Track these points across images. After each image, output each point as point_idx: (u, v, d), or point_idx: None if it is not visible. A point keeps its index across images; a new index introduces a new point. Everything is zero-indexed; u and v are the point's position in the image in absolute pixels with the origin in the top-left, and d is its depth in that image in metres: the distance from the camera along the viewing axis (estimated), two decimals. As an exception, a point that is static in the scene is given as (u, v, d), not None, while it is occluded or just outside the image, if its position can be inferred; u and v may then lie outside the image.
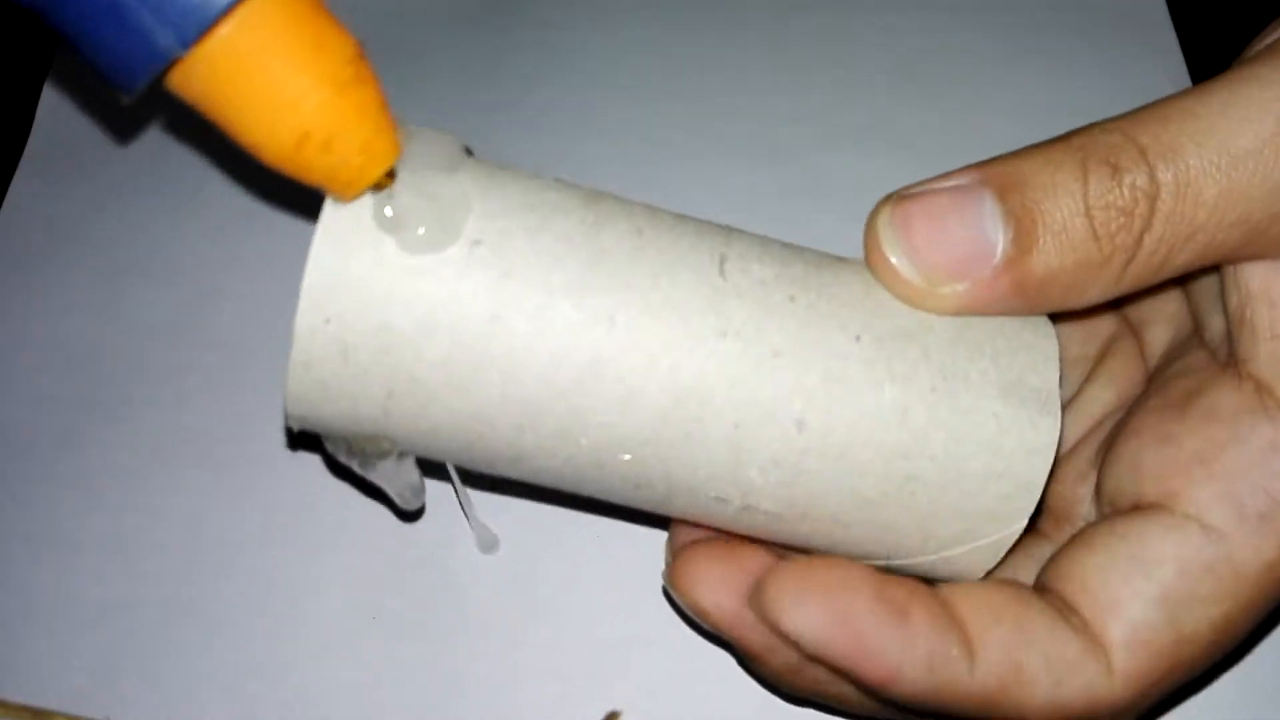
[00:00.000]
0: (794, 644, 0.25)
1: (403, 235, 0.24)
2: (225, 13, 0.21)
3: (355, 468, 0.26)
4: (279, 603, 0.35)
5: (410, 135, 0.24)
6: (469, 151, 0.26)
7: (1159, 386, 0.28)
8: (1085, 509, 0.29)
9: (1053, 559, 0.27)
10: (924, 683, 0.25)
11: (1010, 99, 0.45)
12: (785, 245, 0.27)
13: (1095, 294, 0.25)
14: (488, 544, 0.35)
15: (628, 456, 0.25)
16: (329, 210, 0.24)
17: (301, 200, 0.43)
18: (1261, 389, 0.25)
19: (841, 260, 0.27)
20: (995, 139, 0.44)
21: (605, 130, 0.44)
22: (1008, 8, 0.47)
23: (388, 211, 0.24)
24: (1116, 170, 0.23)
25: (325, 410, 0.25)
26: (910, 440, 0.25)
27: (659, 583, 0.35)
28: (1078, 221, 0.24)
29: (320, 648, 0.34)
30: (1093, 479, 0.29)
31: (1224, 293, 0.26)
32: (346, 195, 0.23)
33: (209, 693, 0.34)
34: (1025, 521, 0.26)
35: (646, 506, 0.27)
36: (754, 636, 0.26)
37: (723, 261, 0.25)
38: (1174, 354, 0.28)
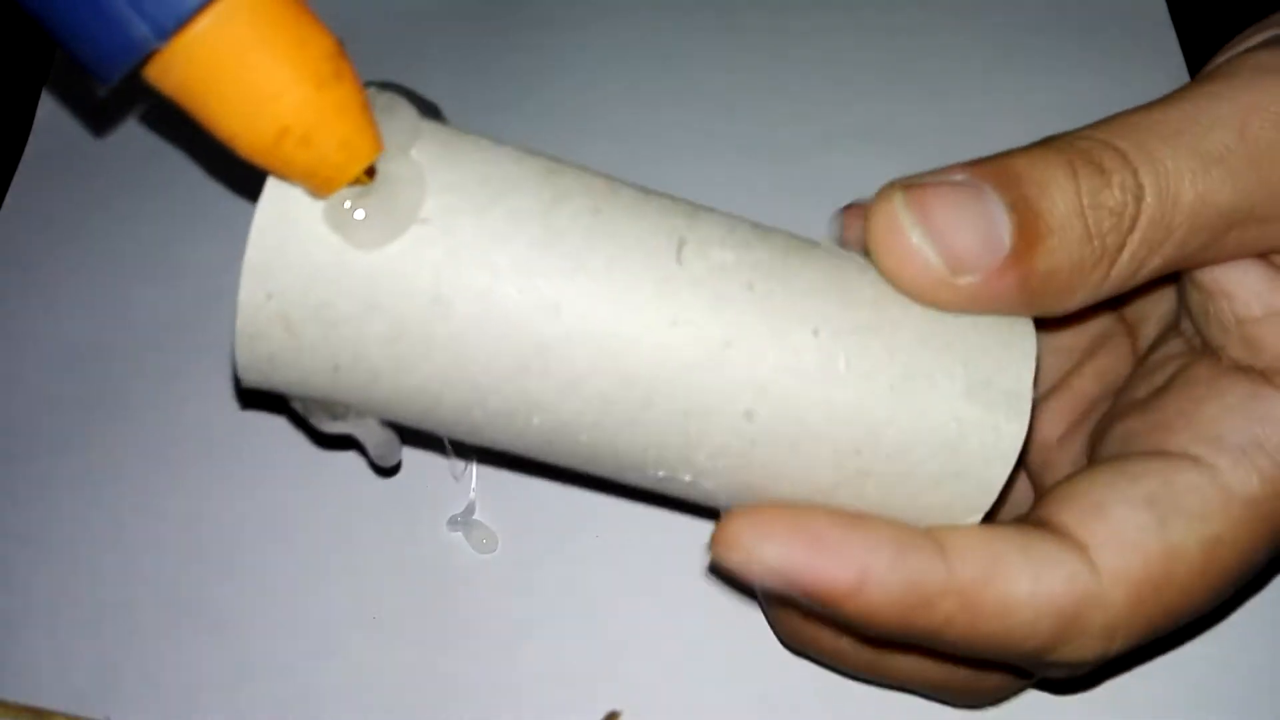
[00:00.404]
0: (772, 584, 0.24)
1: (343, 225, 0.23)
2: (203, 6, 0.21)
3: (322, 425, 0.26)
4: (279, 603, 0.35)
5: (376, 106, 0.24)
6: (436, 111, 0.26)
7: (1144, 373, 0.28)
8: None
9: (1038, 497, 0.27)
10: (896, 581, 0.23)
11: (1010, 99, 0.45)
12: (754, 227, 0.26)
13: (1081, 297, 0.25)
14: (485, 545, 0.35)
15: (583, 437, 0.25)
16: (271, 186, 0.24)
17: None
18: (1238, 365, 0.26)
19: (811, 245, 0.26)
20: (995, 139, 0.44)
21: (605, 130, 0.44)
22: (1008, 8, 0.47)
23: (353, 211, 0.23)
24: (1103, 171, 0.24)
25: (276, 379, 0.25)
26: (864, 436, 0.25)
27: (659, 583, 0.35)
28: (1075, 220, 0.24)
29: (320, 648, 0.34)
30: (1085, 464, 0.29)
31: (1183, 295, 0.27)
32: (326, 191, 0.23)
33: (209, 693, 0.34)
34: (979, 518, 0.26)
35: (603, 475, 0.27)
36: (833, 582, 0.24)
37: (681, 245, 0.25)
38: (1158, 344, 0.29)
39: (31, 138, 0.44)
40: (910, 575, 0.24)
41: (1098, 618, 0.24)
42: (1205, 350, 0.26)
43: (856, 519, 0.24)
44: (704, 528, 0.33)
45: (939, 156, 0.43)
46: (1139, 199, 0.24)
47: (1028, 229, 0.23)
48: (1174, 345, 0.28)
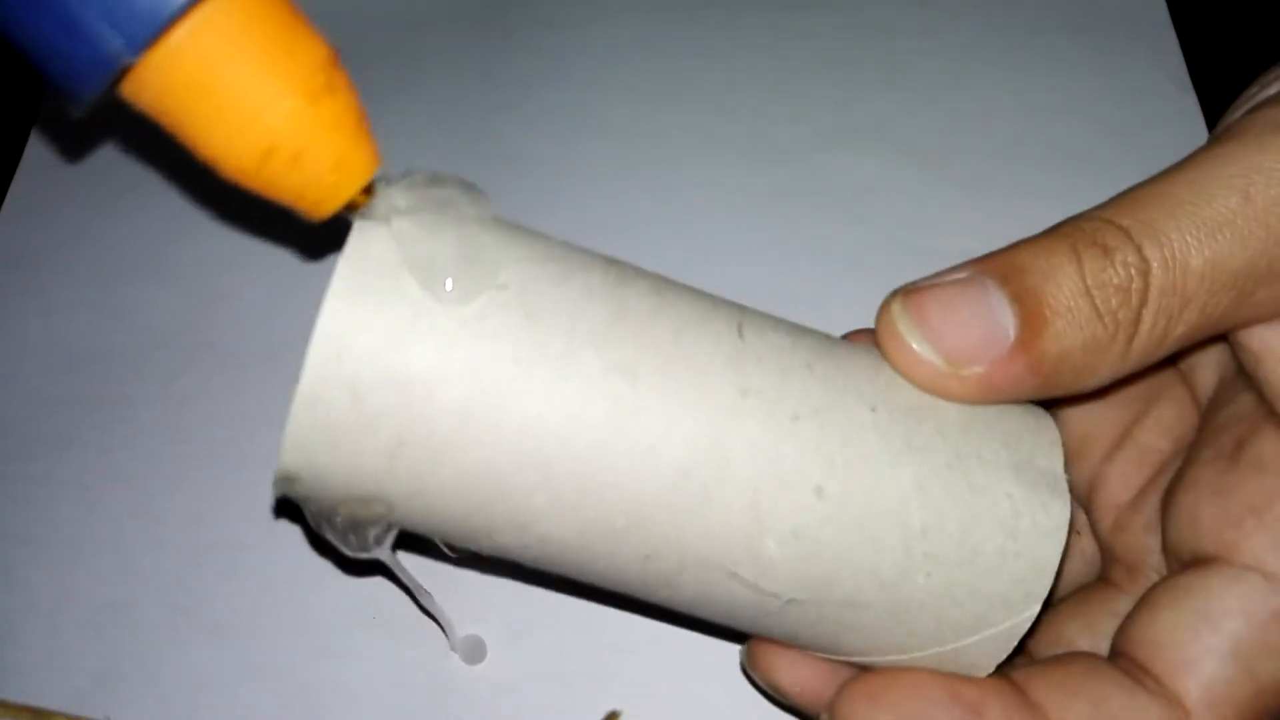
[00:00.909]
0: None
1: (429, 281, 0.22)
2: (181, 14, 0.19)
3: (327, 532, 0.25)
4: (279, 603, 0.35)
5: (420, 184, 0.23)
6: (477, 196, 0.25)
7: (1211, 435, 0.28)
8: (1155, 559, 0.29)
9: (1123, 624, 0.27)
10: None
11: (1010, 99, 0.45)
12: (793, 323, 0.27)
13: (1106, 372, 0.25)
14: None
15: (639, 522, 0.24)
16: (354, 243, 0.22)
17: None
18: None
19: (848, 342, 0.27)
20: (995, 139, 0.45)
21: (605, 130, 0.44)
22: (1007, 8, 0.47)
23: (407, 250, 0.22)
24: (1106, 250, 0.24)
25: (324, 459, 0.23)
26: (928, 516, 0.25)
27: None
28: (1081, 302, 0.24)
29: (320, 648, 0.34)
30: (1159, 529, 0.29)
31: (1236, 358, 0.27)
32: (318, 213, 0.22)
33: (209, 693, 0.34)
34: (1038, 607, 0.26)
35: (652, 586, 0.26)
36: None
37: (740, 326, 0.25)
38: (1223, 396, 0.29)
39: (31, 138, 0.44)
40: None
41: None
42: (1271, 414, 0.27)
43: (973, 710, 0.25)
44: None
45: (939, 156, 0.44)
46: (1145, 273, 0.24)
47: (1031, 316, 0.24)
48: (1242, 403, 0.28)
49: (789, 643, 0.28)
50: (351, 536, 0.24)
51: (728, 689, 0.33)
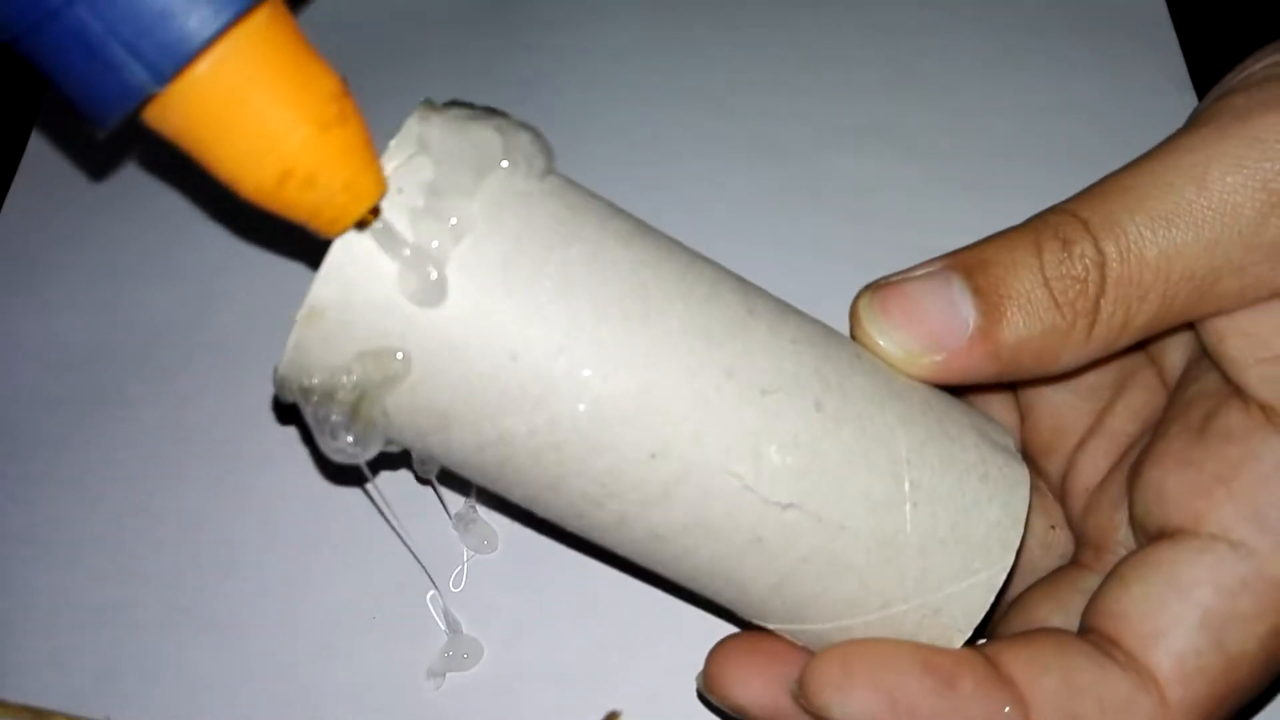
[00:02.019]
0: None
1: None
2: (203, 48, 0.20)
3: (320, 432, 0.26)
4: (279, 603, 0.35)
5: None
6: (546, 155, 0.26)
7: (1179, 412, 0.28)
8: (1122, 534, 0.30)
9: (1092, 598, 0.28)
10: None
11: (1010, 99, 0.45)
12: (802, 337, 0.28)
13: (1068, 358, 0.26)
14: (485, 545, 0.36)
15: (649, 411, 0.25)
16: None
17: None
18: (1266, 409, 0.26)
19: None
20: (995, 139, 0.45)
21: (605, 130, 0.44)
22: (1008, 8, 0.47)
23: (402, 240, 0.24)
24: (1066, 244, 0.25)
25: (356, 296, 0.24)
26: (911, 446, 0.26)
27: (659, 583, 0.35)
28: (1039, 292, 0.26)
29: (320, 648, 0.34)
30: (1125, 506, 0.29)
31: (1199, 337, 0.28)
32: (330, 231, 0.23)
33: (209, 693, 0.34)
34: (1014, 556, 0.27)
35: (650, 500, 0.26)
36: None
37: (749, 313, 0.26)
38: (1190, 375, 0.29)
39: (31, 138, 0.44)
40: None
41: None
42: (1236, 390, 0.27)
43: (947, 680, 0.26)
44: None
45: (939, 156, 0.44)
46: (1100, 265, 0.25)
47: (990, 306, 0.26)
48: (1209, 381, 0.28)
49: (768, 619, 0.28)
50: (343, 433, 0.25)
51: (728, 689, 0.34)
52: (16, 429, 0.38)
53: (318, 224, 0.23)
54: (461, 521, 0.36)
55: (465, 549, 0.35)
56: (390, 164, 0.24)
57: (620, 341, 0.25)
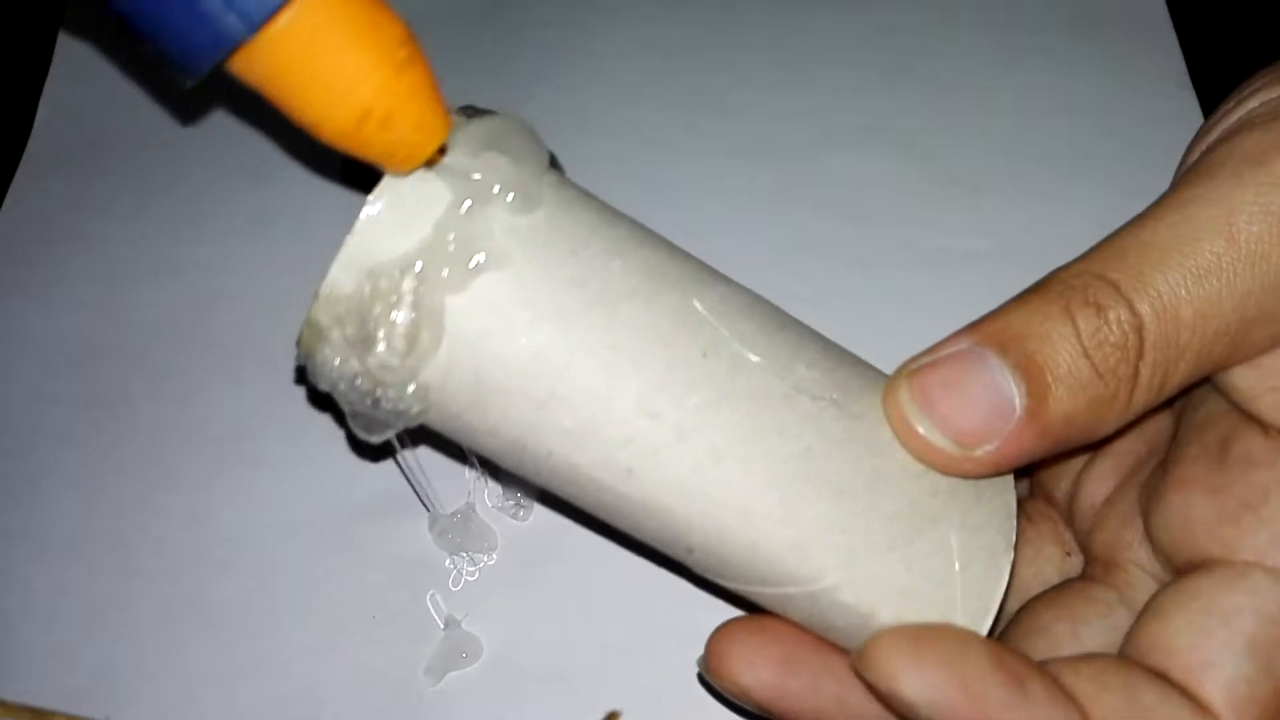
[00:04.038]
0: (907, 710, 0.25)
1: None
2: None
3: (347, 399, 0.25)
4: (279, 601, 0.35)
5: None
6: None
7: (1193, 434, 0.28)
8: (1133, 552, 0.30)
9: (1130, 633, 0.27)
10: None
11: (1010, 99, 0.45)
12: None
13: (1111, 425, 0.26)
14: (485, 545, 0.36)
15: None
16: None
17: (300, 201, 0.43)
18: None
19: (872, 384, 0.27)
20: (995, 139, 0.45)
21: (605, 130, 0.44)
22: (1008, 7, 0.47)
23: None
24: (1100, 308, 0.25)
25: (401, 214, 0.24)
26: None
27: (659, 583, 0.35)
28: (1080, 363, 0.25)
29: (320, 646, 0.34)
30: (1137, 523, 0.29)
31: (1215, 384, 0.27)
32: (404, 169, 0.24)
33: (209, 692, 0.34)
34: (1011, 555, 0.27)
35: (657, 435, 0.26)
36: (798, 707, 0.27)
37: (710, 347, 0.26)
38: (1197, 396, 0.29)
39: (31, 138, 0.44)
40: None
41: None
42: (1249, 416, 0.27)
43: (1018, 681, 0.25)
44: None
45: (939, 156, 0.44)
46: (1138, 328, 0.25)
47: (1036, 385, 0.25)
48: (1218, 402, 0.28)
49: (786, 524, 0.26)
50: (369, 400, 0.25)
51: (727, 689, 0.34)
52: (16, 427, 0.38)
53: (392, 163, 0.24)
54: (461, 521, 0.36)
55: (465, 549, 0.35)
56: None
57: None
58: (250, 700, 0.33)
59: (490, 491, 0.36)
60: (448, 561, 0.35)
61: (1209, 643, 0.26)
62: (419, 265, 0.24)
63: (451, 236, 0.24)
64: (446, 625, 0.34)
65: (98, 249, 0.41)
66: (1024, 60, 0.46)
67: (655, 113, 0.45)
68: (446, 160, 0.25)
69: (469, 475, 0.36)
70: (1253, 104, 0.26)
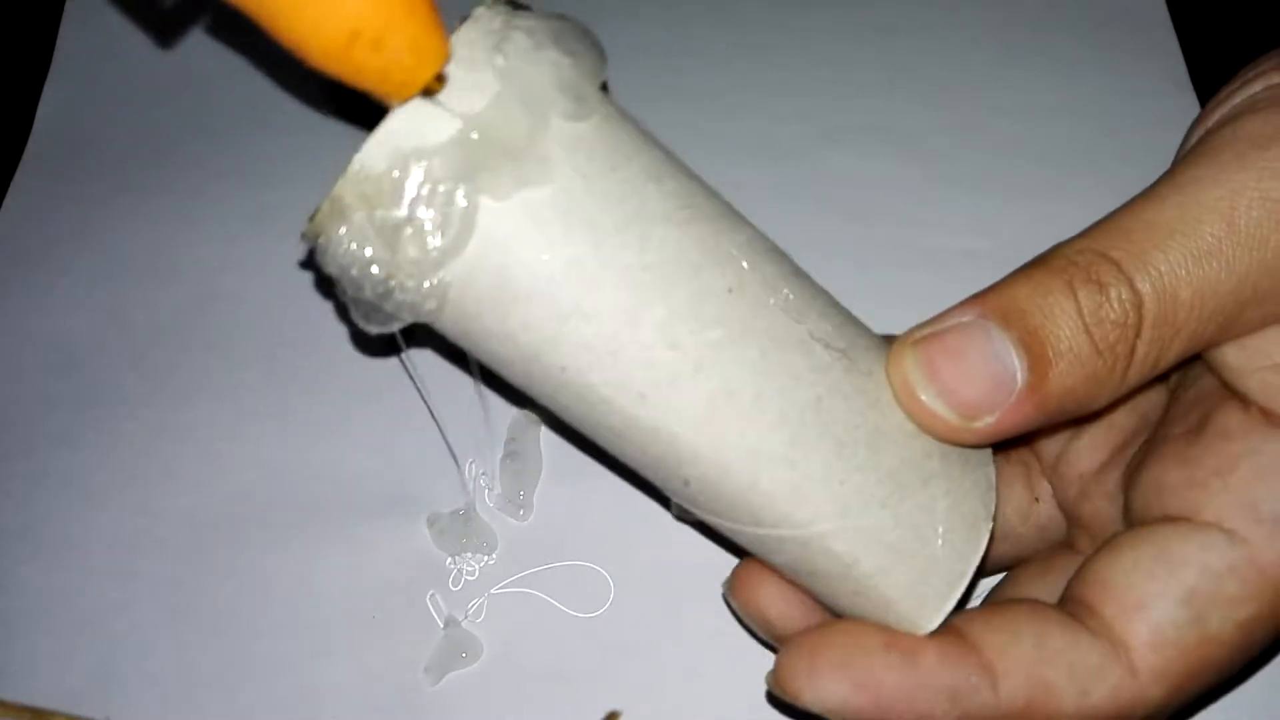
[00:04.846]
0: (826, 715, 0.26)
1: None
2: None
3: (361, 293, 0.24)
4: (279, 602, 0.35)
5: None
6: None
7: (1178, 414, 0.29)
8: (1118, 527, 0.30)
9: (1080, 567, 0.28)
10: (951, 716, 0.26)
11: (1010, 99, 0.45)
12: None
13: (1104, 400, 0.26)
14: (485, 546, 0.36)
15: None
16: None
17: (300, 201, 0.43)
18: (1266, 412, 0.26)
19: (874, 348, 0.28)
20: (995, 139, 0.45)
21: (605, 130, 0.44)
22: (1007, 7, 0.47)
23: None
24: (1101, 285, 0.25)
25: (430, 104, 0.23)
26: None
27: (659, 584, 0.35)
28: (1080, 339, 0.25)
29: (320, 646, 0.34)
30: (1121, 502, 0.30)
31: (1206, 359, 0.28)
32: (399, 96, 0.23)
33: (209, 693, 0.34)
34: (993, 509, 0.27)
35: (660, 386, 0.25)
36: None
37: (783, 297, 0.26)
38: (1190, 376, 0.29)
39: (31, 138, 0.44)
40: (965, 711, 0.26)
41: (1138, 714, 0.26)
42: (1233, 394, 0.27)
43: (908, 655, 0.26)
44: (703, 527, 0.33)
45: (939, 156, 0.44)
46: (1138, 306, 0.25)
47: (1038, 359, 0.25)
48: (1208, 383, 0.28)
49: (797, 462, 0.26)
50: (380, 289, 0.24)
51: (728, 689, 0.33)
52: (15, 428, 0.38)
53: (387, 89, 0.23)
54: (462, 521, 0.36)
55: (465, 549, 0.35)
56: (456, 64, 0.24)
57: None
58: (250, 700, 0.33)
59: (490, 492, 0.36)
60: (448, 561, 0.35)
61: (1149, 585, 0.26)
62: (459, 157, 0.23)
63: (497, 133, 0.23)
64: (446, 625, 0.34)
65: (98, 249, 0.41)
66: (1024, 60, 0.46)
67: (655, 113, 0.45)
68: (499, 61, 0.23)
69: (469, 475, 0.36)
70: (1256, 87, 0.27)
